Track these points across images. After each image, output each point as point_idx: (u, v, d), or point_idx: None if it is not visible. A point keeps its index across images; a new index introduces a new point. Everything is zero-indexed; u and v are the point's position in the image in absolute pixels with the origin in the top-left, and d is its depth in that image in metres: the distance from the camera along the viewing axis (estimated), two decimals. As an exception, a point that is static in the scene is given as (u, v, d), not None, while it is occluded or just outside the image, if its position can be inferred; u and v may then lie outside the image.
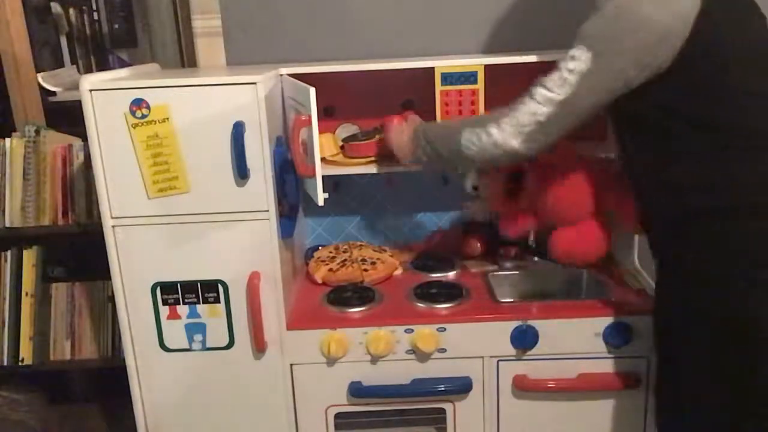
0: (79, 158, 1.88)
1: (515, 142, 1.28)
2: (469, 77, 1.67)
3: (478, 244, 1.93)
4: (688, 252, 1.29)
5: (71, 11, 2.29)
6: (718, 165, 1.24)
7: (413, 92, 1.83)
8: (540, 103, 1.25)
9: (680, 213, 1.29)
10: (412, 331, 1.60)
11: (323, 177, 1.45)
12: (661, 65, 1.20)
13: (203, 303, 1.58)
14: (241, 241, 1.54)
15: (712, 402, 1.30)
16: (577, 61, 1.21)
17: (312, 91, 1.38)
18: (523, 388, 1.62)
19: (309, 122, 1.42)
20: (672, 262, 1.35)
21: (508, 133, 1.28)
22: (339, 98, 1.90)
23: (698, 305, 1.28)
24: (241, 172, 1.48)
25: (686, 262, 1.30)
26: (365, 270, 1.82)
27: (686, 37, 1.17)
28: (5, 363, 1.92)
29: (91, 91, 1.45)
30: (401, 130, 1.58)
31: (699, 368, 1.31)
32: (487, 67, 1.66)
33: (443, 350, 1.61)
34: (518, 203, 1.66)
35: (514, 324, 1.59)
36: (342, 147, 1.86)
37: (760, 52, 1.26)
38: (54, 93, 2.07)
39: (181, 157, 1.49)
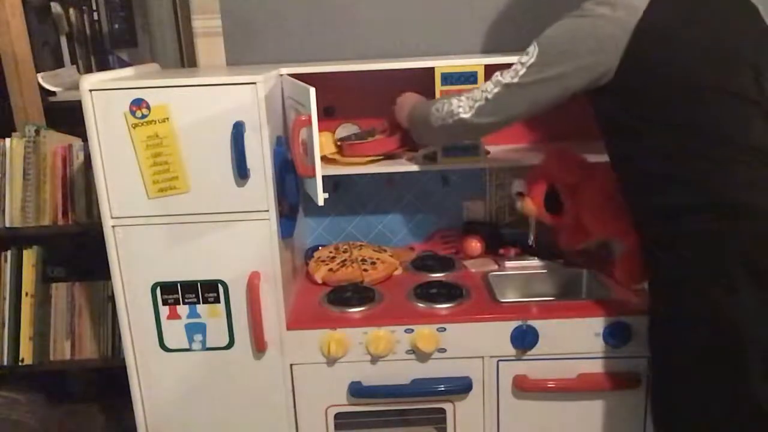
0: (79, 158, 1.88)
1: (466, 114, 1.43)
2: (469, 77, 1.68)
3: (478, 244, 1.93)
4: (671, 253, 1.31)
5: (71, 11, 2.29)
6: (685, 164, 1.26)
7: (413, 92, 1.83)
8: (492, 84, 1.40)
9: (658, 213, 1.32)
10: (412, 331, 1.60)
11: (323, 177, 1.45)
12: (607, 72, 1.29)
13: (203, 303, 1.58)
14: (241, 241, 1.54)
15: (705, 405, 1.30)
16: (527, 56, 1.35)
17: (312, 91, 1.38)
18: (523, 388, 1.62)
19: (309, 122, 1.42)
20: (658, 263, 1.36)
21: (463, 104, 1.44)
22: (339, 98, 1.90)
23: (685, 307, 1.29)
24: (241, 172, 1.48)
25: (669, 263, 1.32)
26: (365, 270, 1.81)
27: (627, 46, 1.25)
28: (5, 363, 1.92)
29: (91, 91, 1.45)
30: (405, 104, 1.71)
31: (691, 370, 1.31)
32: (487, 67, 1.66)
33: (443, 350, 1.61)
34: (562, 219, 1.69)
35: (514, 324, 1.59)
36: (339, 146, 1.86)
37: (725, 48, 1.27)
38: (54, 93, 2.07)
39: (181, 157, 1.49)
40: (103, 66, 2.33)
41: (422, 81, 1.72)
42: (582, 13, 1.32)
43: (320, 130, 1.50)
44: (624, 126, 1.33)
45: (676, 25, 1.26)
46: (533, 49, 1.35)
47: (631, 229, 1.48)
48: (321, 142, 1.75)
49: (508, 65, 1.37)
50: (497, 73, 1.40)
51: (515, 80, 1.36)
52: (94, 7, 2.30)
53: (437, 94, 1.68)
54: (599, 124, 1.42)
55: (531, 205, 1.71)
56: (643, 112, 1.29)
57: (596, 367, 1.61)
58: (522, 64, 1.35)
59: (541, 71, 1.34)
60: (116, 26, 2.32)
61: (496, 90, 1.39)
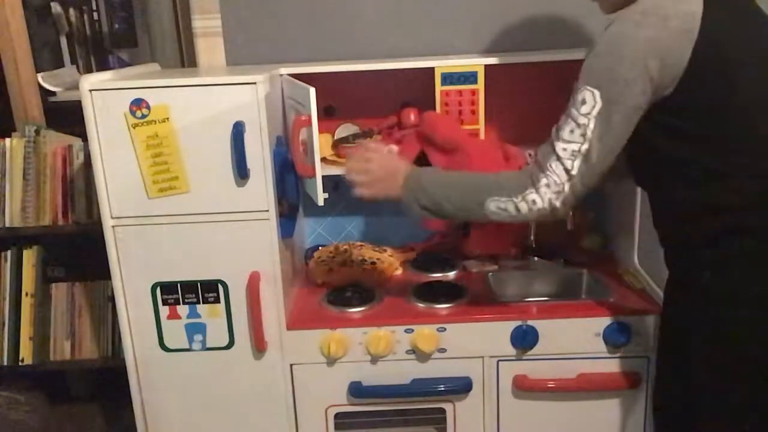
0: (79, 158, 1.88)
1: (557, 203, 1.25)
2: (469, 77, 1.68)
3: (478, 244, 1.93)
4: (709, 271, 1.24)
5: (71, 11, 2.29)
6: (748, 187, 1.20)
7: (413, 92, 1.83)
8: (568, 159, 1.22)
9: (723, 234, 1.23)
10: (412, 331, 1.60)
11: (323, 177, 1.45)
12: (670, 84, 1.17)
13: (203, 303, 1.58)
14: (241, 241, 1.54)
15: (741, 412, 1.25)
16: (587, 105, 1.18)
17: (312, 91, 1.38)
18: (523, 388, 1.62)
19: (309, 122, 1.42)
20: (694, 282, 1.27)
21: (549, 196, 1.24)
22: (339, 98, 1.90)
23: (739, 317, 1.22)
24: (241, 172, 1.48)
25: (710, 282, 1.24)
26: (365, 270, 1.81)
27: (691, 54, 1.14)
28: (5, 363, 1.92)
29: (91, 91, 1.45)
30: (393, 176, 1.43)
31: (734, 376, 1.25)
32: (487, 67, 1.67)
33: (443, 350, 1.61)
34: None
35: (514, 324, 1.59)
36: (336, 148, 1.86)
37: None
38: (54, 93, 2.07)
39: (181, 157, 1.49)
40: (103, 66, 2.33)
41: (422, 81, 1.72)
42: (629, 30, 1.17)
43: (320, 130, 1.50)
44: (664, 148, 1.22)
45: (732, 33, 1.17)
46: (591, 95, 1.18)
47: None
48: (320, 143, 1.76)
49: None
50: (560, 145, 1.22)
51: (589, 138, 1.19)
52: (94, 7, 2.31)
53: (437, 94, 1.68)
54: (632, 148, 1.27)
55: None
56: (705, 127, 1.19)
57: (596, 367, 1.61)
58: (585, 115, 1.19)
59: (613, 114, 1.18)
60: (116, 26, 2.32)
61: (578, 164, 1.21)
